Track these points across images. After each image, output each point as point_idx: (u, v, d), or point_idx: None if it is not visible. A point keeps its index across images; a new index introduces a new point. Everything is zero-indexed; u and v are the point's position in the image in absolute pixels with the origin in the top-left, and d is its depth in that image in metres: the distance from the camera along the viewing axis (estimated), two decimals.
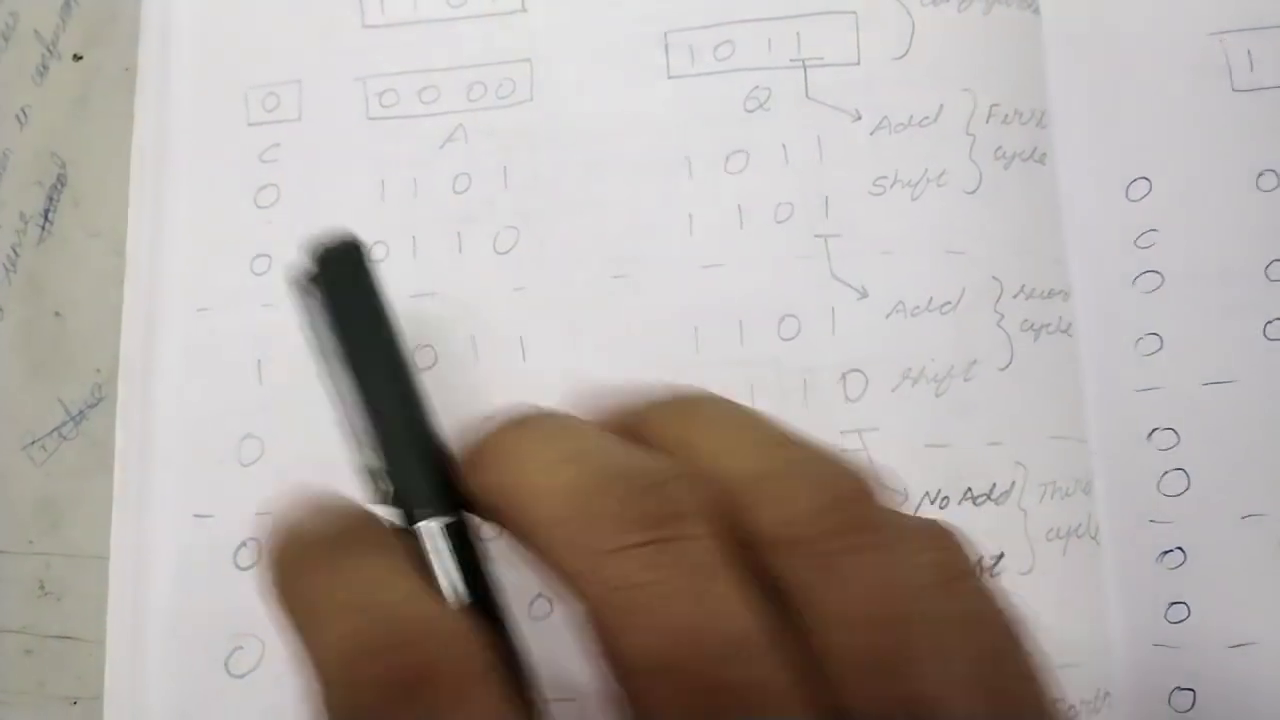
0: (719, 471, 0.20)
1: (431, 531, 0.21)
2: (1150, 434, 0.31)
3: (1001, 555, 0.29)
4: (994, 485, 0.30)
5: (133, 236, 0.32)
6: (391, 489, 0.23)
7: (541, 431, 0.21)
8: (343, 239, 0.25)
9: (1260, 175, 0.32)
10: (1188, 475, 0.31)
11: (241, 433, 0.30)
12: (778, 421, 0.22)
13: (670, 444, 0.21)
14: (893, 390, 0.30)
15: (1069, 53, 0.33)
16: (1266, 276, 0.32)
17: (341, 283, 0.25)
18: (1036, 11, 0.33)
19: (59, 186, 0.33)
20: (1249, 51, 0.33)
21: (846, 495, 0.20)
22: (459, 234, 0.31)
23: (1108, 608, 0.30)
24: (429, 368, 0.30)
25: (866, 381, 0.30)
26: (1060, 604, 0.30)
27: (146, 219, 0.32)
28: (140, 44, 0.33)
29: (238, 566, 0.30)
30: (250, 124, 0.32)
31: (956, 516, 0.29)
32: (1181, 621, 0.30)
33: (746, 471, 0.20)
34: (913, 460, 0.30)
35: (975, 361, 0.30)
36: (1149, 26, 0.33)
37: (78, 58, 0.34)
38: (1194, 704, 0.29)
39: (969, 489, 0.30)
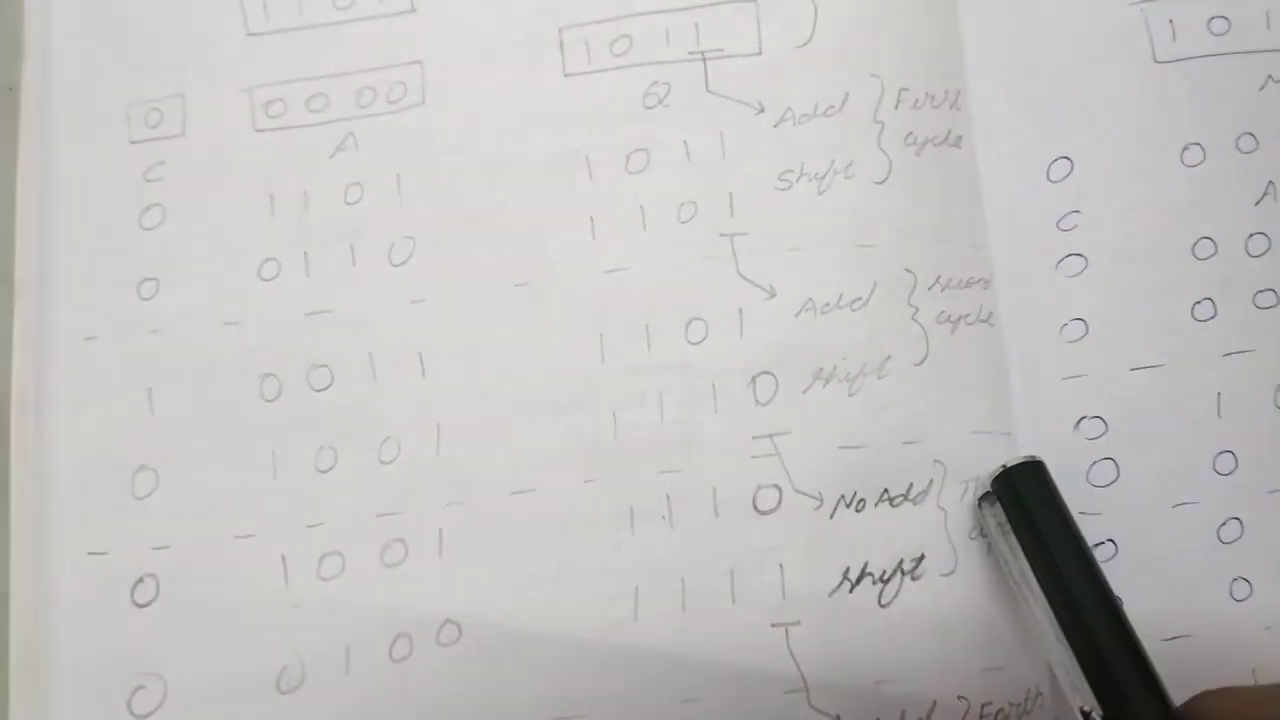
0: None
1: None
2: (1078, 423, 0.30)
3: (922, 557, 0.29)
4: (911, 485, 0.29)
5: (20, 264, 0.31)
6: None
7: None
8: (1025, 461, 0.28)
9: (1185, 149, 0.31)
10: (1117, 465, 0.30)
11: (135, 465, 0.30)
12: None
13: None
14: (804, 392, 0.29)
15: (985, 29, 0.33)
16: (1194, 255, 0.31)
17: (1031, 507, 0.27)
18: None
19: None
20: (1171, 21, 0.32)
21: None
22: (352, 247, 0.30)
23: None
24: (325, 389, 0.30)
25: (777, 384, 0.29)
26: (987, 605, 0.29)
27: (32, 246, 0.31)
28: (23, 63, 0.32)
29: (135, 604, 0.29)
30: (133, 142, 0.32)
31: (873, 519, 0.29)
32: None
33: None
34: (827, 463, 0.29)
35: (889, 358, 0.29)
36: None
37: None
38: None
39: (886, 490, 0.29)
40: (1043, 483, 0.28)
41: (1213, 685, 0.28)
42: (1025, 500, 0.27)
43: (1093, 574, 0.26)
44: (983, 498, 0.29)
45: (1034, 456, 0.28)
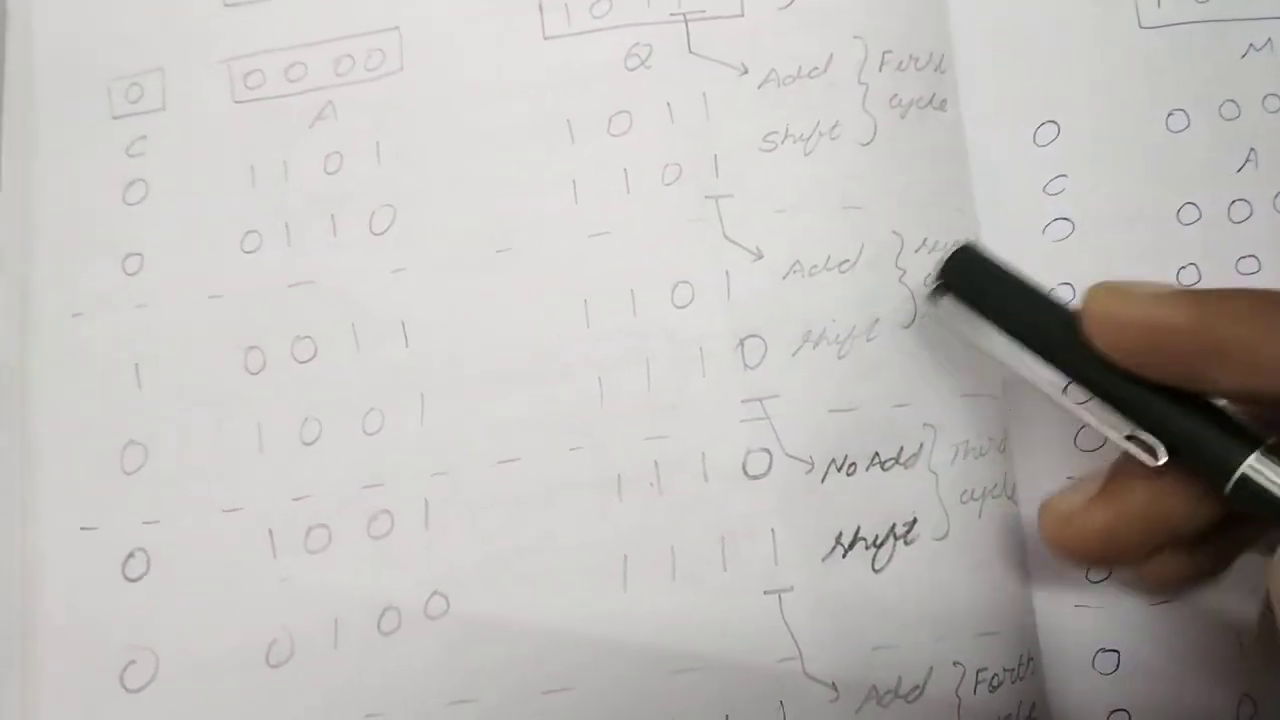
0: None
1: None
2: (1065, 388, 0.28)
3: (915, 521, 0.26)
4: (901, 448, 0.27)
5: (4, 242, 0.29)
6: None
7: None
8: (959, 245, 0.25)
9: (1170, 115, 0.29)
10: None
11: (123, 440, 0.27)
12: None
13: None
14: (793, 355, 0.27)
15: None
16: (1178, 220, 0.29)
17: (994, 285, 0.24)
18: None
19: None
20: None
21: None
22: (333, 216, 0.28)
23: (1028, 570, 0.27)
24: (308, 360, 0.27)
25: (766, 347, 0.27)
26: (980, 567, 0.27)
27: (17, 224, 0.29)
28: (6, 41, 0.30)
29: (127, 578, 0.27)
30: (115, 117, 0.29)
31: (865, 483, 0.26)
32: (1102, 581, 0.27)
33: None
34: (817, 426, 0.27)
35: (878, 320, 0.27)
36: None
37: None
38: (1118, 665, 0.27)
39: (876, 453, 0.27)
40: (990, 261, 0.24)
41: (1201, 646, 0.27)
42: (985, 280, 0.24)
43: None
44: (932, 293, 0.25)
45: (968, 241, 0.25)
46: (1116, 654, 0.27)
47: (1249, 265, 0.28)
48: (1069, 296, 0.28)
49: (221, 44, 0.29)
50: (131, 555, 0.27)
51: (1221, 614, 0.27)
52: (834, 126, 0.28)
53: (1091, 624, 0.27)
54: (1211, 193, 0.29)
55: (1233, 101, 0.29)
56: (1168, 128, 0.29)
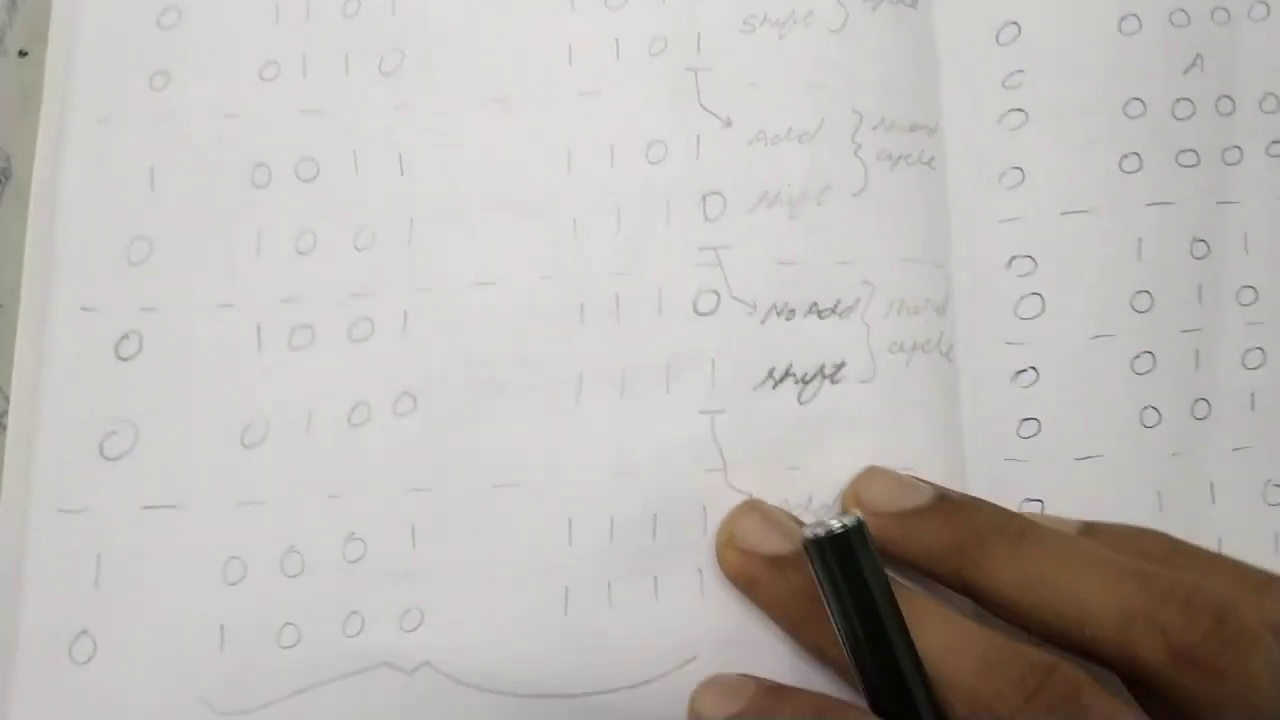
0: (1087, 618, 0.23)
1: None
2: (1010, 261, 0.30)
3: (843, 364, 0.28)
4: (839, 301, 0.28)
5: (51, 50, 0.30)
6: None
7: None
8: (846, 523, 0.24)
9: (1123, 19, 0.31)
10: (1043, 299, 0.29)
11: (131, 234, 0.29)
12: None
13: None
14: (749, 212, 0.29)
15: None
16: (1124, 114, 0.30)
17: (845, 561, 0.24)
18: None
19: (3, 180, 0.32)
20: None
21: (1218, 612, 0.22)
22: (347, 55, 0.30)
23: (960, 424, 0.29)
24: (311, 179, 0.29)
25: (725, 203, 0.29)
26: (905, 412, 0.28)
27: (64, 37, 0.30)
28: None
29: (119, 356, 0.28)
30: None
31: (801, 328, 0.28)
32: (1032, 437, 0.29)
33: (1116, 614, 0.22)
34: (764, 275, 0.28)
35: (829, 187, 0.29)
36: None
37: (23, 54, 0.33)
38: (1041, 514, 0.28)
39: (815, 303, 0.28)
40: (857, 557, 0.24)
41: (1120, 503, 0.28)
42: (844, 571, 0.24)
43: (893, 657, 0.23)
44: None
45: (854, 518, 0.24)
46: (1040, 503, 0.28)
47: (1188, 159, 0.30)
48: (1018, 179, 0.30)
49: None
50: (126, 337, 0.28)
51: (1142, 469, 0.28)
52: (808, 15, 0.30)
53: (1019, 476, 0.29)
54: (1157, 90, 0.30)
55: (1183, 10, 0.31)
56: (1120, 30, 0.30)
